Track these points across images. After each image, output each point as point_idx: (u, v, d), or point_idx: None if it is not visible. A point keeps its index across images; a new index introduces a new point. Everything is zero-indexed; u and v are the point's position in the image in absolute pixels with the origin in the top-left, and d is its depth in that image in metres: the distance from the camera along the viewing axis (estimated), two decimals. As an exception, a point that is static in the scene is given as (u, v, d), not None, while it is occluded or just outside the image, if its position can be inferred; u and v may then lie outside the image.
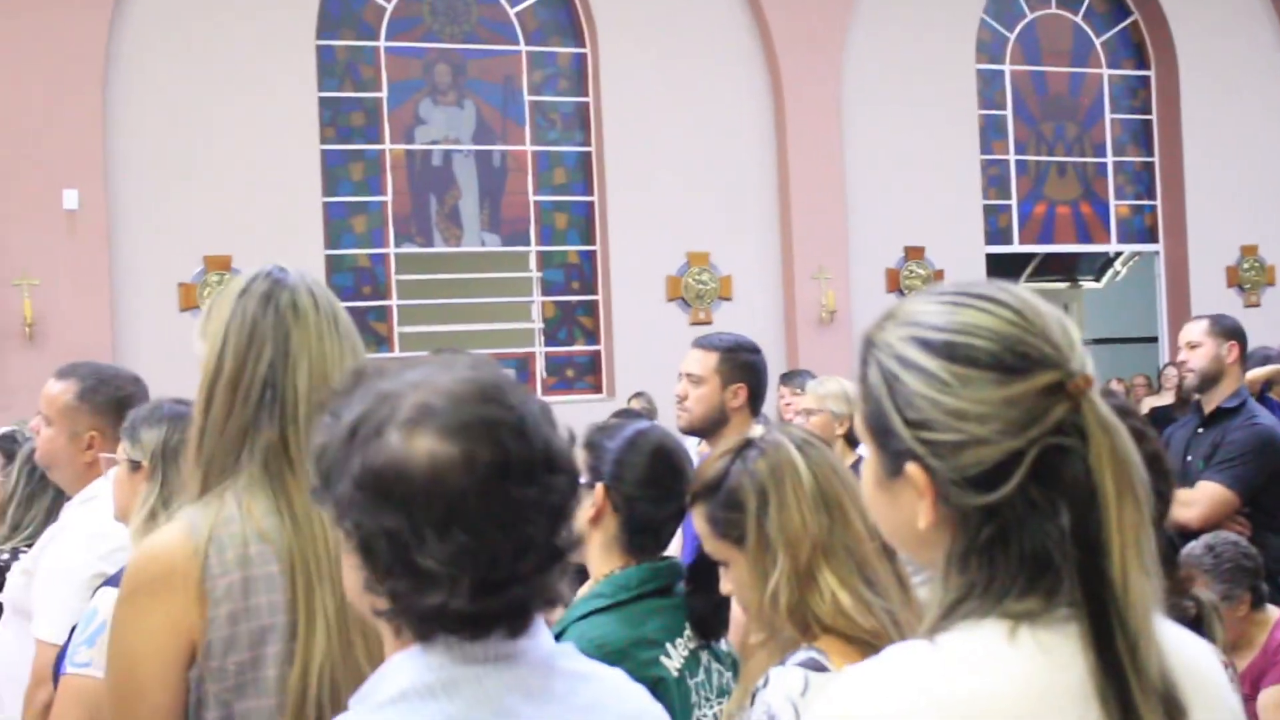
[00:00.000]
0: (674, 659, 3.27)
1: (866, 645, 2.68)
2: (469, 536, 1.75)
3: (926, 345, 1.67)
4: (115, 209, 12.45)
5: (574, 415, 10.42)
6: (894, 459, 1.69)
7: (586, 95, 14.60)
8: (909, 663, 1.60)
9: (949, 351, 1.65)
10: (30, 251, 12.06)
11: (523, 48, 14.50)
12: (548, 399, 12.70)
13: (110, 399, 4.37)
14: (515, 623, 1.84)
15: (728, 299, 14.65)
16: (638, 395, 12.44)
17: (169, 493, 3.79)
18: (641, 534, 3.35)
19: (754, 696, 2.69)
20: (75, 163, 12.22)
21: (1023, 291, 1.70)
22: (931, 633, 1.62)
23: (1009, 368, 1.62)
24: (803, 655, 2.69)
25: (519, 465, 1.77)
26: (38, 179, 12.04)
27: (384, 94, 14.00)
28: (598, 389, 14.50)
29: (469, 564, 1.76)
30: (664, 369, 11.64)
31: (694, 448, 8.30)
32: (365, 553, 1.79)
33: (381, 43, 14.01)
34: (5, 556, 4.84)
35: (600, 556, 3.37)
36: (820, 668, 2.66)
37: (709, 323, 14.18)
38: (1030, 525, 1.60)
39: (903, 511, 1.70)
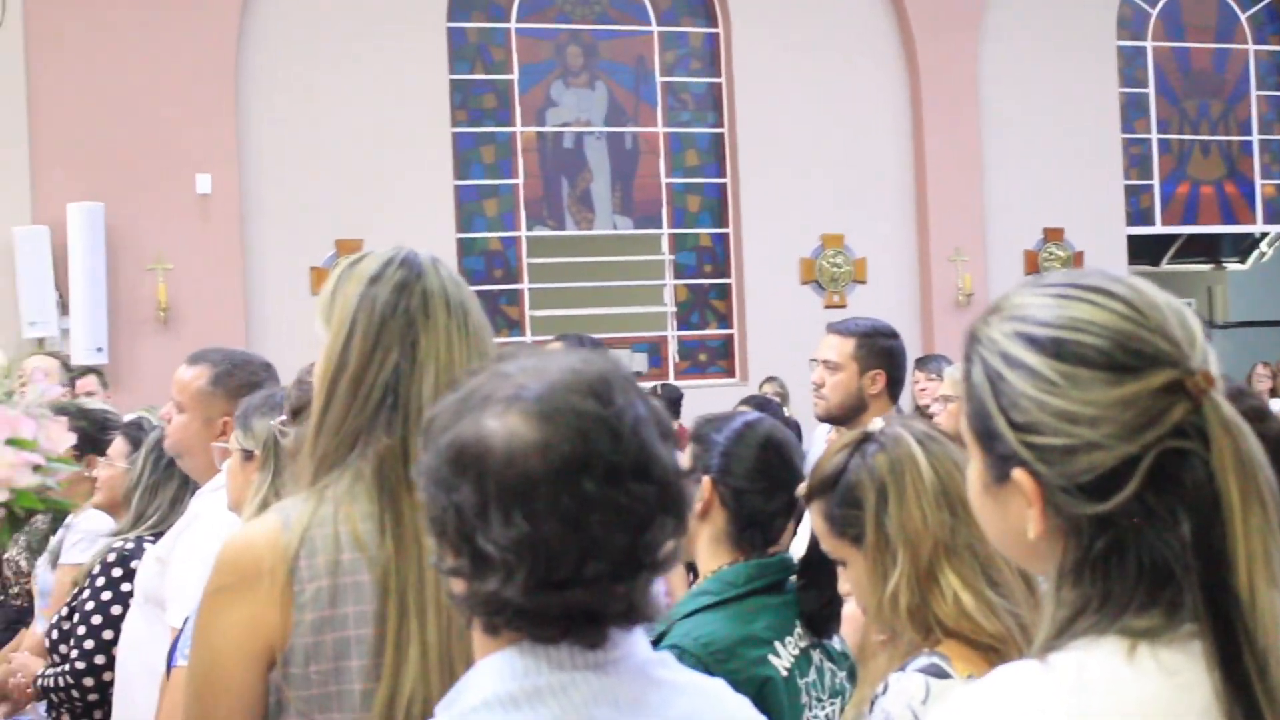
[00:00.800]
0: (783, 658, 3.19)
1: (991, 650, 2.59)
2: (530, 525, 1.71)
3: (1033, 342, 1.57)
4: (248, 193, 12.58)
5: (706, 399, 10.34)
6: (1000, 464, 1.60)
7: (719, 76, 14.51)
8: (1021, 686, 1.51)
9: (1056, 349, 1.55)
10: (164, 236, 12.22)
11: (655, 28, 14.43)
12: (679, 383, 12.79)
13: (243, 385, 4.36)
14: (587, 629, 1.78)
15: (862, 282, 14.50)
16: (770, 380, 12.34)
17: (281, 483, 3.77)
18: (750, 528, 3.28)
19: (873, 703, 2.60)
20: (208, 148, 12.35)
21: (1139, 282, 1.60)
22: (1044, 651, 1.53)
23: (1122, 366, 1.52)
24: (924, 660, 2.59)
25: (600, 464, 1.72)
26: (171, 164, 12.17)
27: (515, 76, 14.00)
28: (730, 373, 14.42)
29: (527, 554, 1.72)
30: (797, 353, 11.55)
31: (823, 437, 8.22)
32: (437, 528, 1.77)
33: (513, 24, 14.01)
34: (130, 546, 4.86)
35: (708, 552, 3.30)
36: (942, 674, 2.56)
37: (843, 306, 14.04)
38: (1148, 536, 1.51)
39: (1010, 520, 1.62)
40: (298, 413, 3.52)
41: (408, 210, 12.87)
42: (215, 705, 2.38)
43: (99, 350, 11.70)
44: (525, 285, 13.94)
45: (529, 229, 14.02)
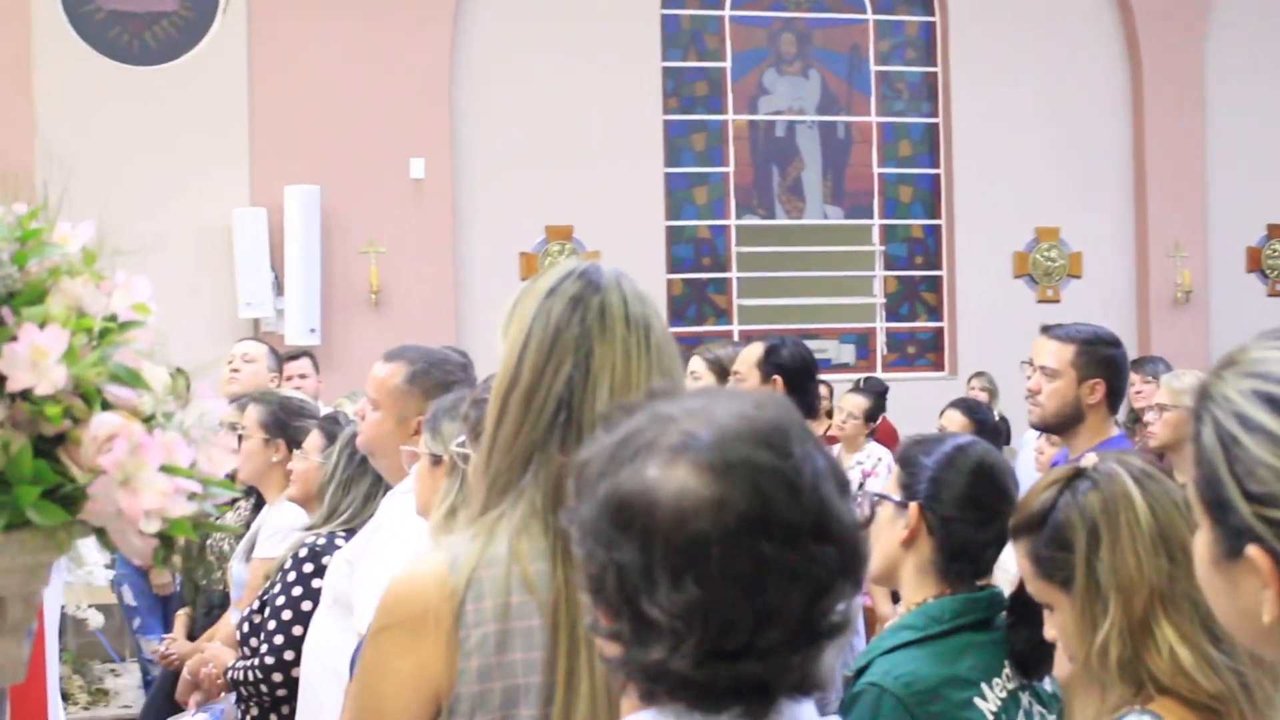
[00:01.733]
0: (990, 700, 2.98)
1: (1209, 711, 2.37)
2: (703, 591, 1.55)
3: (1273, 403, 1.37)
4: (460, 178, 12.61)
5: (913, 393, 10.08)
6: (1233, 538, 1.41)
7: (935, 65, 14.19)
8: None
9: None
10: (377, 220, 12.31)
11: (870, 16, 14.15)
12: (886, 376, 12.55)
13: (438, 384, 4.27)
14: (756, 703, 1.61)
15: (1077, 276, 14.08)
16: (978, 375, 12.01)
17: (470, 491, 3.67)
18: (958, 559, 3.07)
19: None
20: (422, 132, 12.42)
21: None
22: None
23: None
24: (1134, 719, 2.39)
25: (779, 523, 1.56)
26: (386, 149, 12.26)
27: (728, 64, 13.86)
28: (939, 367, 14.11)
29: (699, 622, 1.56)
30: (1008, 348, 11.27)
31: (1033, 443, 7.95)
32: (595, 587, 1.63)
33: (727, 12, 13.84)
34: (321, 541, 4.81)
35: (913, 583, 3.10)
36: (1155, 734, 2.36)
37: (1056, 301, 13.67)
38: None
39: (1242, 599, 1.43)
40: (479, 434, 3.41)
41: (617, 197, 12.83)
42: None
43: (312, 331, 11.83)
44: (734, 274, 13.77)
45: (738, 217, 13.85)
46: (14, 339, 1.98)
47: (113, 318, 2.16)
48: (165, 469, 2.01)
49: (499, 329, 2.47)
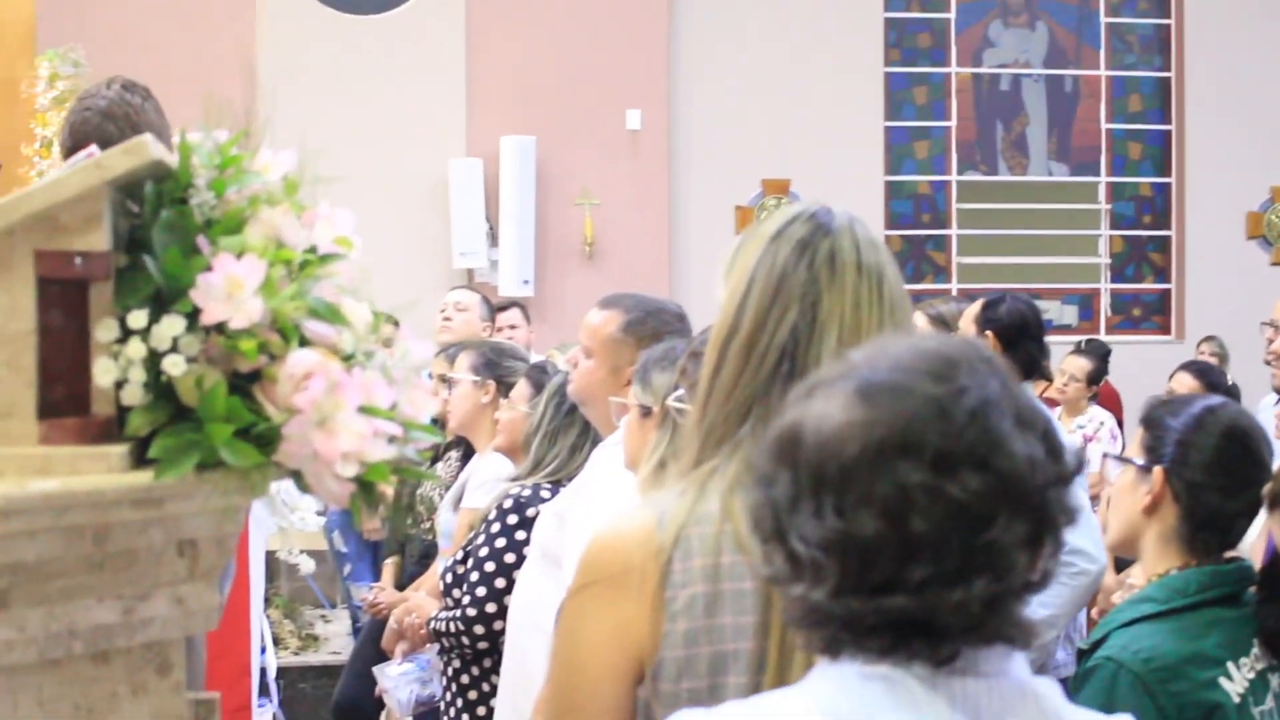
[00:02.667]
0: (1236, 681, 2.77)
1: None
2: (841, 520, 1.48)
3: None
4: (676, 130, 12.49)
5: (1137, 357, 9.72)
6: None
7: (1168, 17, 13.67)
8: None
9: None
10: (592, 171, 12.25)
11: (1102, -34, 13.70)
12: (1110, 339, 12.14)
13: (653, 334, 4.14)
14: (922, 644, 1.50)
15: (1315, 239, 13.50)
16: (1208, 339, 11.56)
17: (680, 444, 3.54)
18: (1205, 529, 2.86)
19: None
20: (639, 83, 12.31)
21: None
22: None
23: None
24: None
25: (926, 448, 1.47)
26: (603, 100, 12.18)
27: (952, 15, 13.52)
28: (1165, 330, 13.64)
29: (836, 552, 1.49)
30: (1239, 312, 10.84)
31: (1270, 408, 7.58)
32: (758, 529, 1.58)
33: (952, -38, 13.52)
34: (527, 493, 4.72)
35: (1155, 553, 2.90)
36: None
37: (1292, 264, 13.13)
38: None
39: None
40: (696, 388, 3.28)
41: (836, 151, 12.60)
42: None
43: (525, 283, 11.82)
44: (954, 231, 13.46)
45: (960, 173, 13.53)
46: (209, 269, 1.88)
47: (313, 250, 2.06)
48: (364, 410, 1.91)
49: (720, 275, 2.33)
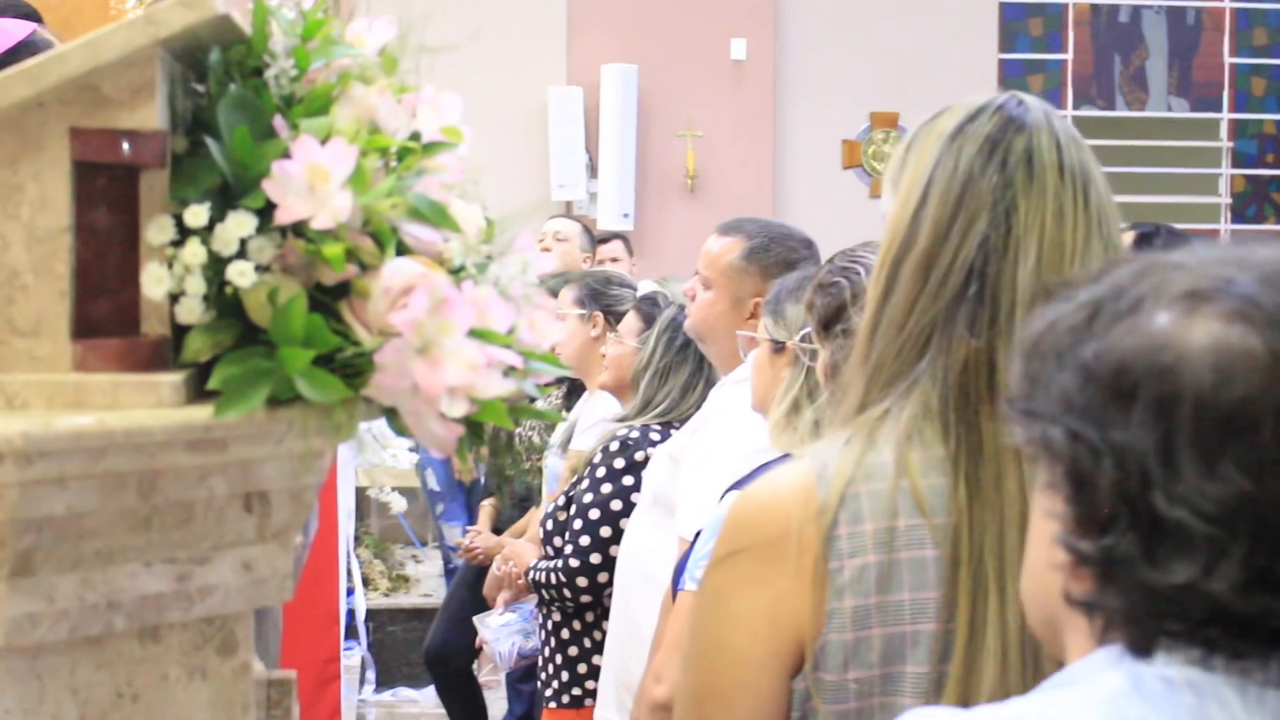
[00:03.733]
0: None
1: None
2: (1251, 480, 1.10)
3: None
4: (782, 61, 12.01)
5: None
6: None
7: (1299, -53, 13.05)
8: None
9: None
10: (695, 102, 11.75)
11: (1229, -107, 13.08)
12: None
13: (779, 262, 3.73)
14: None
15: None
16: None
17: (815, 382, 3.16)
18: None
19: None
20: (744, 11, 11.84)
21: None
22: None
23: None
24: None
25: None
26: (706, 29, 11.73)
27: (1070, -56, 12.99)
28: (1287, 274, 13.06)
29: (1245, 522, 1.10)
30: (1371, 257, 10.30)
31: None
32: (1076, 485, 1.15)
33: (1071, -112, 12.95)
34: (635, 434, 4.34)
35: None
36: None
37: None
38: None
39: None
40: (828, 325, 2.87)
41: (947, 83, 11.95)
42: (723, 716, 1.76)
43: (625, 216, 11.44)
44: (1068, 169, 12.88)
45: (1076, 108, 12.84)
46: (287, 156, 1.50)
47: (416, 138, 1.67)
48: (476, 334, 1.52)
49: (885, 181, 1.94)
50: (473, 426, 1.53)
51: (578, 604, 4.38)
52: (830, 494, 1.73)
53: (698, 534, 3.25)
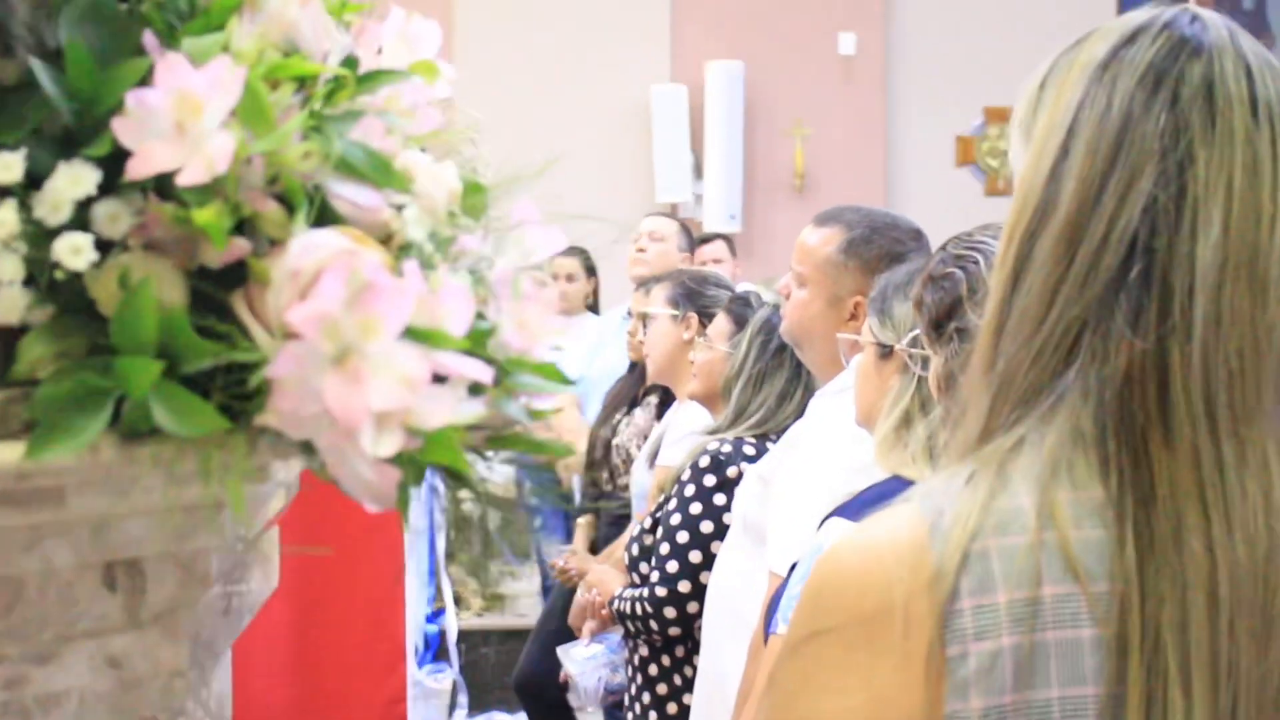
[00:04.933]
0: None
1: None
2: None
3: None
4: (892, 55, 11.52)
5: None
6: None
7: None
8: None
9: None
10: (803, 99, 11.28)
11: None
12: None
13: (884, 255, 3.22)
14: None
15: None
16: None
17: (928, 392, 2.67)
18: None
19: None
20: (853, 6, 11.36)
21: None
22: None
23: None
24: None
25: None
26: (814, 23, 11.26)
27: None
28: None
29: None
30: None
31: None
32: None
33: None
34: (726, 448, 3.85)
35: None
36: None
37: None
38: None
39: None
40: (940, 325, 2.37)
41: (1063, 75, 11.53)
42: None
43: (732, 218, 11.00)
44: (1194, 162, 12.29)
45: (1201, 100, 12.34)
46: (146, 83, 1.02)
47: (352, 64, 1.19)
48: (417, 336, 1.04)
49: (1013, 130, 1.44)
50: (416, 468, 1.05)
51: (666, 637, 3.90)
52: (949, 553, 1.23)
53: (792, 568, 2.77)
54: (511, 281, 1.21)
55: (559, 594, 5.76)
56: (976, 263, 2.30)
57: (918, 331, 2.51)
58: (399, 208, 1.16)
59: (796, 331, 3.39)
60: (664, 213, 10.01)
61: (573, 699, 4.98)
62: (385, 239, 1.13)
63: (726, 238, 8.56)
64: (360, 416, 0.99)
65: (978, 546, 1.23)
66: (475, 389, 1.10)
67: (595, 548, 5.55)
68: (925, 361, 2.49)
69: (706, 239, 8.13)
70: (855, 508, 2.63)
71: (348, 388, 0.99)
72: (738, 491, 3.59)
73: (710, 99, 11.11)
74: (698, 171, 11.22)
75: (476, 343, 1.11)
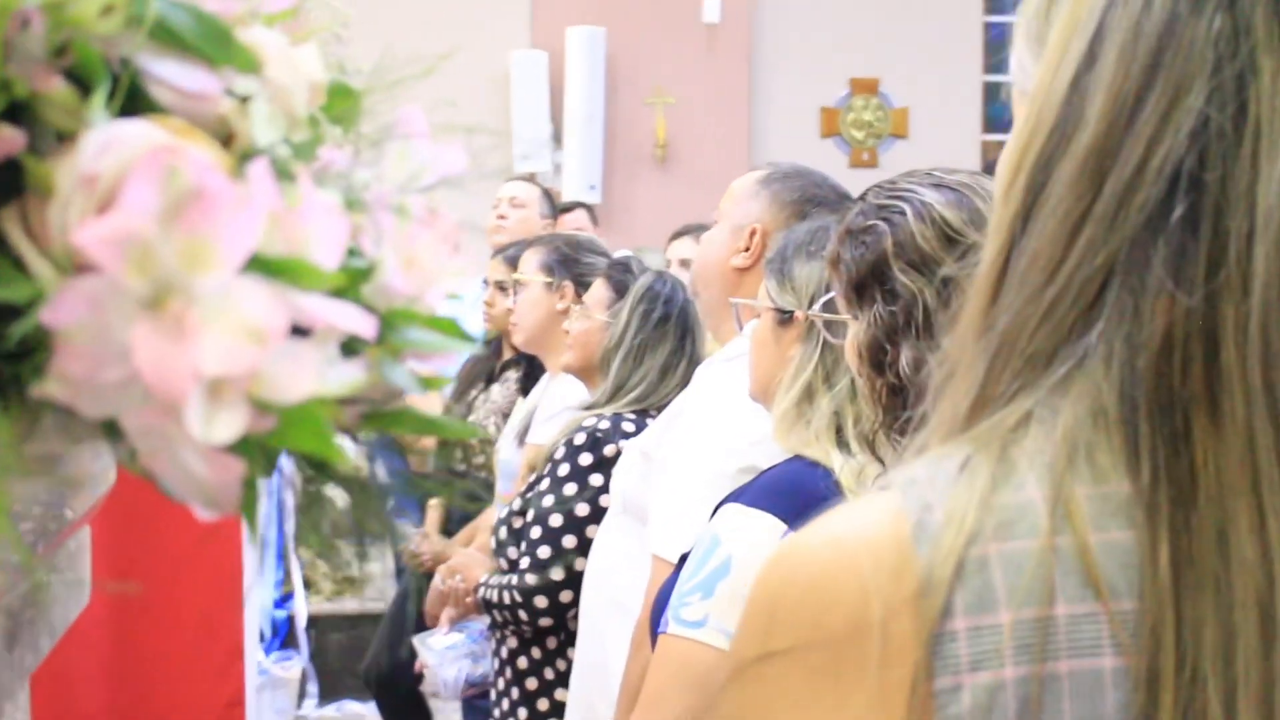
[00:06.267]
0: None
1: None
2: None
3: None
4: (758, 24, 11.33)
5: None
6: None
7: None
8: None
9: None
10: (665, 68, 11.09)
11: None
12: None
13: (802, 197, 2.98)
14: None
15: None
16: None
17: (835, 361, 2.41)
18: None
19: None
20: (718, -28, 11.22)
21: None
22: None
23: None
24: None
25: None
26: (679, -12, 11.11)
27: (1058, -97, 12.33)
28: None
29: None
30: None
31: None
32: None
33: None
34: (604, 425, 3.57)
35: None
36: None
37: None
38: None
39: None
40: (863, 287, 2.09)
41: (930, 48, 11.40)
42: None
43: (592, 188, 10.76)
44: (1056, 138, 12.24)
45: (1065, 74, 12.29)
46: None
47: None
48: (267, 268, 0.72)
49: (1017, 38, 1.19)
50: (268, 456, 0.74)
51: (536, 628, 3.60)
52: (940, 559, 0.96)
53: (683, 558, 2.49)
54: (396, 206, 0.89)
55: (412, 578, 5.46)
56: (902, 213, 2.03)
57: (832, 294, 2.23)
58: (243, 100, 0.84)
59: (696, 269, 3.16)
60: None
61: (428, 690, 4.68)
62: (224, 142, 0.81)
63: (588, 207, 8.44)
64: (185, 384, 0.68)
65: (976, 552, 0.96)
66: (350, 347, 0.79)
67: (450, 531, 5.24)
68: (839, 328, 2.21)
69: (568, 208, 7.98)
70: (753, 492, 2.37)
71: (167, 343, 0.68)
72: (616, 468, 3.32)
73: (571, 66, 10.90)
74: (557, 141, 11.01)
75: (350, 285, 0.80)
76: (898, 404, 1.97)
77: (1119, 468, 0.98)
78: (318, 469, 0.89)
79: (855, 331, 2.09)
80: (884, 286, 2.03)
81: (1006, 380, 1.02)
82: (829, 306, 2.32)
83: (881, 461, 2.00)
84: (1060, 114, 1.04)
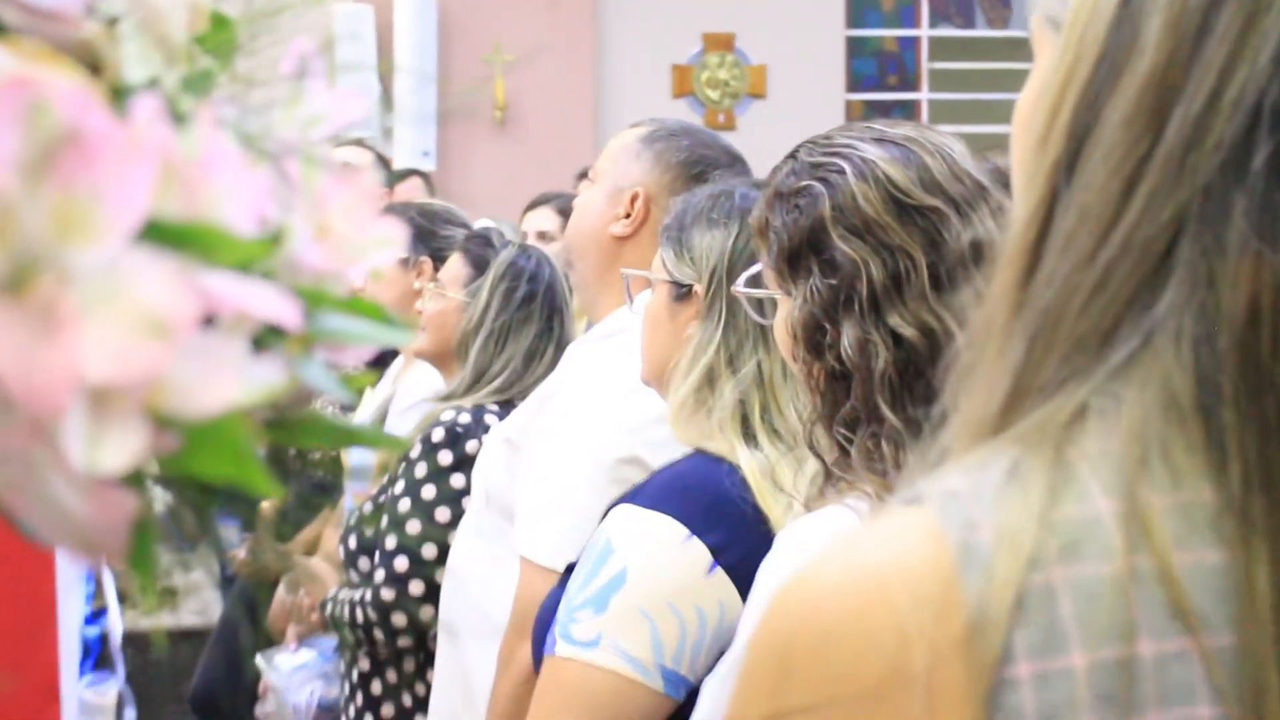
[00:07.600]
0: None
1: None
2: None
3: None
4: (603, -26, 11.47)
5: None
6: None
7: None
8: None
9: None
10: (504, 23, 11.16)
11: None
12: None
13: (689, 159, 2.90)
14: None
15: None
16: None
17: (740, 343, 2.31)
18: None
19: None
20: (559, -83, 11.27)
21: None
22: None
23: None
24: None
25: None
26: (518, -65, 11.14)
27: None
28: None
29: None
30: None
31: None
32: None
33: None
34: (465, 418, 3.44)
35: None
36: None
37: None
38: None
39: None
40: (795, 259, 1.98)
41: (789, 1, 11.53)
42: None
43: (425, 155, 10.77)
44: (924, 95, 12.47)
45: (932, 27, 12.53)
46: None
47: None
48: (164, 235, 0.58)
49: None
50: (180, 486, 0.61)
51: (394, 649, 3.47)
52: (994, 591, 0.86)
53: (570, 568, 2.36)
54: (305, 157, 0.76)
55: (241, 591, 5.31)
56: (841, 172, 1.92)
57: (758, 267, 2.11)
58: (110, 22, 0.70)
59: (569, 237, 3.08)
60: (349, 155, 9.72)
61: (271, 716, 4.52)
62: (95, 70, 0.67)
63: (424, 174, 8.41)
64: (60, 395, 0.54)
65: (1039, 580, 0.86)
66: (263, 340, 0.65)
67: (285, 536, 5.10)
68: (765, 306, 2.10)
69: (401, 175, 7.88)
70: (650, 492, 2.27)
71: (33, 338, 0.54)
72: (479, 460, 3.20)
73: (399, 20, 11.02)
74: (386, 103, 10.96)
75: (265, 257, 0.67)
76: (839, 391, 1.86)
77: (1199, 469, 0.88)
78: (205, 497, 0.75)
79: (787, 309, 1.98)
80: (821, 256, 1.92)
81: (1051, 367, 0.92)
82: (756, 282, 2.18)
83: (822, 459, 1.89)
84: (1109, 41, 0.94)
